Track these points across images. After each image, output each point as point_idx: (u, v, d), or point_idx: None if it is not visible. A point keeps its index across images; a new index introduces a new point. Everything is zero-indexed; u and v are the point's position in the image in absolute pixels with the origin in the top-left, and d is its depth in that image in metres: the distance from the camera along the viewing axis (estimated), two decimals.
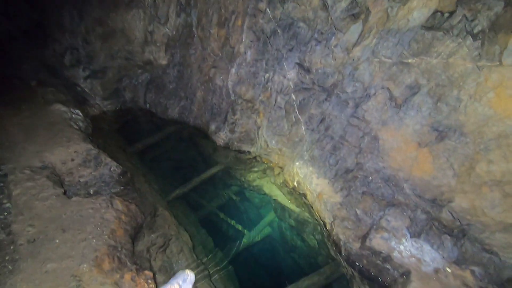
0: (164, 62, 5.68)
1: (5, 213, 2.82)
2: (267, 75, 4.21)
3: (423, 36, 2.63)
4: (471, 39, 2.43)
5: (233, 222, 5.75)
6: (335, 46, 3.30)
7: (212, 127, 5.44)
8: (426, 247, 2.85)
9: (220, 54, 4.86)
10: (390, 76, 2.90)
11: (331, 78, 3.58)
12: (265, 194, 5.46)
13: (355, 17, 3.01)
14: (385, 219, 3.03)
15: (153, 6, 5.12)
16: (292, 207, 5.00)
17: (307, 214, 4.75)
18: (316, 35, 3.59)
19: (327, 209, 3.68)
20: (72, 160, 3.75)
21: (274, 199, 5.34)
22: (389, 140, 3.01)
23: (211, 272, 4.13)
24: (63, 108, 4.49)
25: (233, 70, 4.60)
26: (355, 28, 3.06)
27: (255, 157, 5.27)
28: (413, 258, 2.82)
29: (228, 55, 4.70)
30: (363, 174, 3.41)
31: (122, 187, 3.93)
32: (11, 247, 2.54)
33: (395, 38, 2.78)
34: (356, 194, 3.48)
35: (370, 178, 3.32)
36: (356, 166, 3.51)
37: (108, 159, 4.11)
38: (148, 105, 6.32)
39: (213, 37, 4.87)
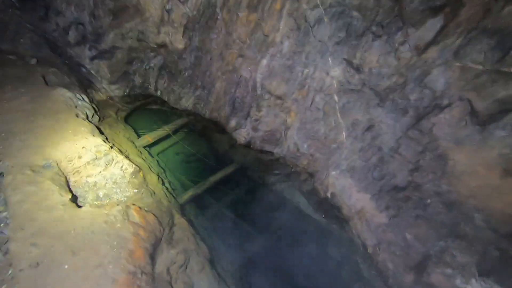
0: (180, 46, 5.07)
1: (2, 225, 2.32)
2: (306, 70, 3.67)
3: None
4: None
5: (245, 224, 5.35)
6: (402, 43, 2.77)
7: (232, 122, 4.92)
8: None
9: (248, 41, 4.28)
10: (474, 86, 2.41)
11: (388, 80, 3.06)
12: (285, 199, 5.03)
13: (436, 9, 2.47)
14: (449, 252, 2.61)
15: None
16: (317, 217, 4.58)
17: (334, 226, 4.34)
18: (374, 28, 3.04)
19: (370, 230, 3.26)
20: (80, 157, 3.23)
21: (295, 206, 4.92)
22: (463, 162, 2.55)
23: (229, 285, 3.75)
24: (68, 94, 3.92)
25: (264, 61, 4.04)
26: (433, 24, 2.52)
27: (278, 159, 4.79)
28: None
29: (259, 44, 4.13)
30: (418, 196, 2.96)
31: (135, 190, 3.45)
32: (9, 273, 2.06)
33: (492, 40, 2.27)
34: (407, 216, 3.04)
35: (429, 201, 2.88)
36: (409, 184, 3.06)
37: (120, 156, 3.60)
38: (159, 92, 5.74)
39: (241, 21, 4.28)
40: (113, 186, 3.37)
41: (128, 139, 4.75)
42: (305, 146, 4.04)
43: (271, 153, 4.76)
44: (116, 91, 5.51)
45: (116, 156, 3.52)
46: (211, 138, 5.63)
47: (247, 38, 4.29)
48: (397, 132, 3.10)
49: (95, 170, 3.31)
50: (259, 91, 4.37)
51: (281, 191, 5.04)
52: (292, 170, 4.55)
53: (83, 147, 3.29)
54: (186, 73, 5.33)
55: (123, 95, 5.57)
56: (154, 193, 3.68)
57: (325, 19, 3.37)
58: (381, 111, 3.18)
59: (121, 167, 3.54)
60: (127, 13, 4.78)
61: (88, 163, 3.27)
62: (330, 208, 4.04)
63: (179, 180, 5.17)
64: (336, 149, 3.73)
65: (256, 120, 4.59)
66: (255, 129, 4.66)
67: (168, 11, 4.75)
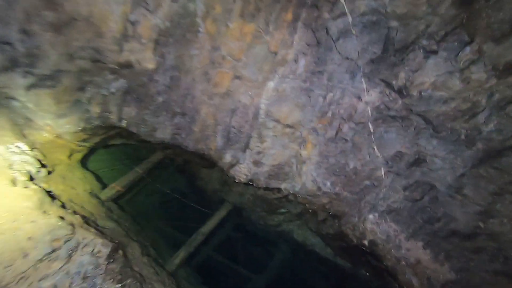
0: (151, 65, 4.01)
1: None
2: (330, 94, 2.95)
3: None
4: None
5: (252, 276, 4.47)
6: (473, 62, 2.19)
7: (227, 156, 4.00)
8: None
9: (244, 59, 3.44)
10: None
11: (444, 106, 2.47)
12: (296, 242, 4.26)
13: None
14: None
15: None
16: (341, 262, 3.89)
17: (363, 272, 3.70)
18: (424, 42, 2.43)
19: None
20: (25, 255, 2.08)
21: (311, 250, 4.17)
22: None
23: None
24: None
25: (271, 84, 3.24)
26: None
27: (286, 196, 4.00)
28: None
29: (259, 62, 3.31)
30: (495, 247, 2.41)
31: (117, 285, 2.38)
32: None
33: None
34: (481, 272, 2.48)
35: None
36: (479, 231, 2.50)
37: (88, 235, 2.50)
38: (125, 123, 4.56)
39: (232, 34, 3.42)
40: (84, 285, 2.27)
41: (90, 193, 3.57)
42: (328, 183, 3.31)
43: (278, 189, 3.95)
44: (66, 126, 4.21)
45: (84, 238, 2.42)
46: (197, 175, 4.63)
47: (242, 55, 3.44)
48: (459, 168, 2.53)
49: (51, 268, 2.18)
50: (261, 119, 3.54)
51: (289, 232, 4.25)
52: (309, 209, 3.79)
53: (29, 238, 2.14)
54: (161, 98, 4.26)
55: (76, 130, 4.29)
56: (143, 278, 2.63)
57: (354, 31, 2.67)
58: (436, 143, 2.58)
59: (92, 251, 2.44)
60: (75, 28, 3.59)
61: (40, 260, 2.14)
62: (360, 254, 3.36)
63: (164, 233, 4.11)
64: (371, 187, 3.06)
65: (259, 152, 3.75)
66: (257, 163, 3.81)
67: (133, 23, 3.68)
